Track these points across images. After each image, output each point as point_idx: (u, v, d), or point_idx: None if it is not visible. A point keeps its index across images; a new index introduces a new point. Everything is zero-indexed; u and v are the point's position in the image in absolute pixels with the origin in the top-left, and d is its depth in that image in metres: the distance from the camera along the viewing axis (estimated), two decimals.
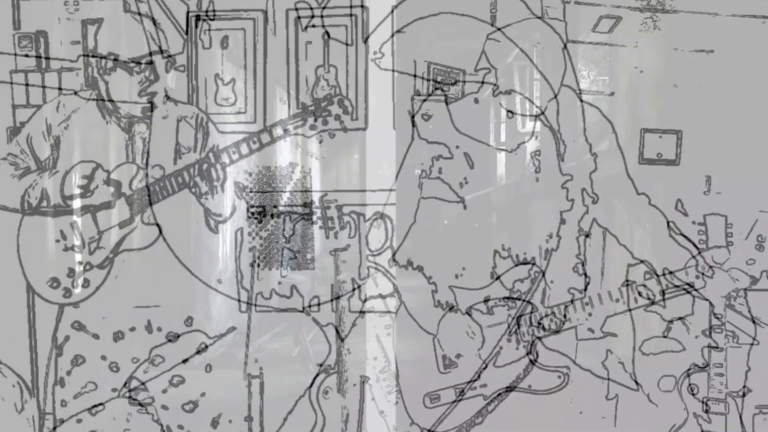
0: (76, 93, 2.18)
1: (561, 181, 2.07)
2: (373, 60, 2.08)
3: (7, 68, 2.20)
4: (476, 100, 2.10)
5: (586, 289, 2.10)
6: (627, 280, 2.09)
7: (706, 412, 2.09)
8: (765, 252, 2.05)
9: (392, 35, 2.11)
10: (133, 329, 2.20)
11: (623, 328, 2.11)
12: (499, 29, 2.04)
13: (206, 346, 2.21)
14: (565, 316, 2.11)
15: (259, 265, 2.20)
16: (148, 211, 2.16)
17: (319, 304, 2.19)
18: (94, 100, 2.17)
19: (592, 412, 2.13)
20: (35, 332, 2.22)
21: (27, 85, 2.20)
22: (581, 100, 2.08)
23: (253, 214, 2.19)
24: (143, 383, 2.21)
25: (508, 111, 2.10)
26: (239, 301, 2.20)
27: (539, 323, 2.11)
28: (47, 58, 2.20)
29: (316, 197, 2.18)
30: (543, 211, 2.13)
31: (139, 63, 2.11)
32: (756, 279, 2.06)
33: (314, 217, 2.18)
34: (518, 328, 2.10)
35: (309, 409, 2.20)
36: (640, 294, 2.07)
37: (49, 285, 2.17)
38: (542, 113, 2.06)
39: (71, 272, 2.17)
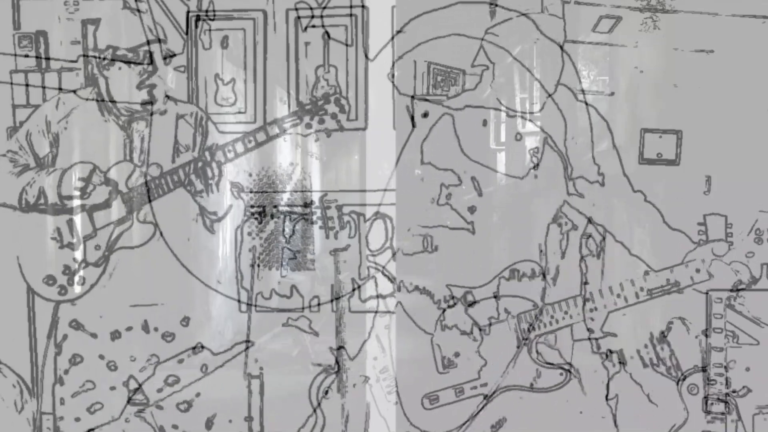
0: (74, 92, 2.18)
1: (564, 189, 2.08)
2: (389, 77, 2.09)
3: (7, 68, 2.20)
4: (485, 122, 2.10)
5: (586, 284, 2.10)
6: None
7: (707, 412, 2.09)
8: (764, 245, 2.05)
9: (392, 37, 2.11)
10: (129, 328, 2.20)
11: (623, 328, 2.11)
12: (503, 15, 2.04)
13: (203, 347, 2.21)
14: (565, 312, 2.11)
15: (258, 266, 2.20)
16: (143, 209, 2.16)
17: (319, 305, 2.19)
18: (93, 99, 2.17)
19: (592, 412, 2.12)
20: (35, 332, 2.22)
21: (27, 85, 2.20)
22: (577, 99, 2.08)
23: (252, 214, 2.19)
24: (140, 384, 2.21)
25: (516, 134, 2.10)
26: (239, 301, 2.21)
27: (539, 320, 2.11)
28: (47, 59, 2.20)
29: (316, 197, 2.18)
30: (543, 209, 2.13)
31: (137, 53, 2.11)
32: (756, 279, 2.06)
33: (314, 217, 2.18)
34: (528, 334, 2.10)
35: (309, 409, 2.20)
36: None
37: (45, 282, 2.17)
38: (547, 136, 2.07)
39: (67, 269, 2.17)
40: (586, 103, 2.07)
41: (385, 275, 2.15)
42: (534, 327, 2.12)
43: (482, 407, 2.14)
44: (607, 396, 2.12)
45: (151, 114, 2.15)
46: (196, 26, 2.16)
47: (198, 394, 2.21)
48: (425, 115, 2.11)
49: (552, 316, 2.11)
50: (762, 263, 2.05)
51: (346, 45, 2.14)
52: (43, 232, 2.18)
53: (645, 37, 2.08)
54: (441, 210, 2.12)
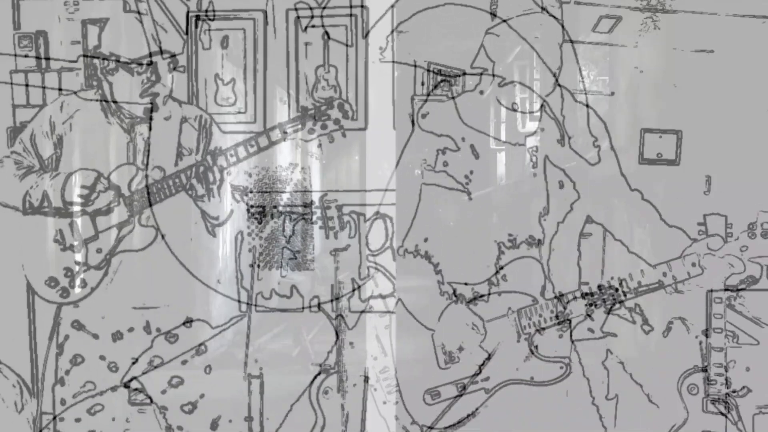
0: (75, 93, 2.18)
1: (558, 176, 2.08)
2: (380, 55, 2.08)
3: (7, 68, 2.20)
4: (481, 92, 2.10)
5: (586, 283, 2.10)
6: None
7: (707, 412, 2.10)
8: (757, 239, 2.05)
9: (392, 31, 2.11)
10: (131, 330, 2.20)
11: (623, 328, 2.11)
12: (504, 19, 2.04)
13: (206, 348, 2.21)
14: (565, 308, 2.11)
15: (258, 266, 2.20)
16: (145, 212, 2.16)
17: (319, 305, 2.19)
18: (97, 100, 2.17)
19: (592, 412, 2.12)
20: (35, 332, 2.23)
21: (27, 85, 2.20)
22: (575, 100, 2.08)
23: (253, 214, 2.19)
24: (142, 385, 2.21)
25: (512, 104, 2.10)
26: (239, 301, 2.21)
27: (540, 316, 2.12)
28: (47, 59, 2.20)
29: (316, 197, 2.18)
30: (542, 209, 2.13)
31: (140, 64, 2.11)
32: (756, 279, 2.06)
33: (314, 217, 2.18)
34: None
35: (309, 409, 2.20)
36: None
37: (47, 284, 2.17)
38: (545, 103, 2.06)
39: (68, 272, 2.17)
40: (585, 93, 2.08)
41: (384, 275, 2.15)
42: (534, 322, 2.12)
43: (483, 401, 2.15)
44: (607, 396, 2.12)
45: (151, 119, 2.15)
46: (196, 26, 2.16)
47: (202, 395, 2.21)
48: (425, 116, 2.11)
49: (552, 311, 2.12)
50: (758, 256, 2.05)
51: (346, 45, 2.14)
52: (46, 235, 2.18)
53: (645, 37, 2.09)
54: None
